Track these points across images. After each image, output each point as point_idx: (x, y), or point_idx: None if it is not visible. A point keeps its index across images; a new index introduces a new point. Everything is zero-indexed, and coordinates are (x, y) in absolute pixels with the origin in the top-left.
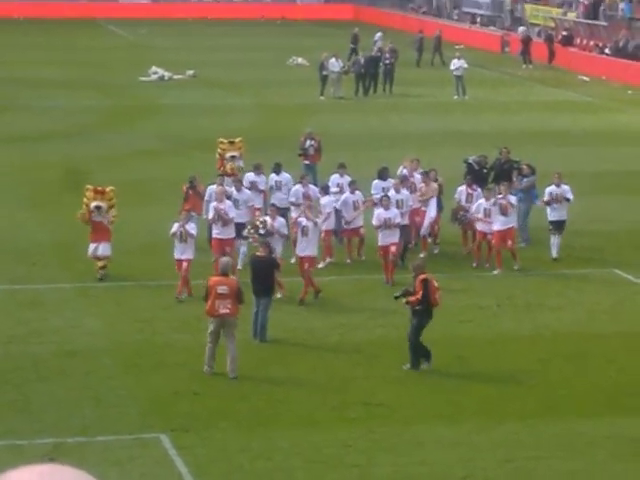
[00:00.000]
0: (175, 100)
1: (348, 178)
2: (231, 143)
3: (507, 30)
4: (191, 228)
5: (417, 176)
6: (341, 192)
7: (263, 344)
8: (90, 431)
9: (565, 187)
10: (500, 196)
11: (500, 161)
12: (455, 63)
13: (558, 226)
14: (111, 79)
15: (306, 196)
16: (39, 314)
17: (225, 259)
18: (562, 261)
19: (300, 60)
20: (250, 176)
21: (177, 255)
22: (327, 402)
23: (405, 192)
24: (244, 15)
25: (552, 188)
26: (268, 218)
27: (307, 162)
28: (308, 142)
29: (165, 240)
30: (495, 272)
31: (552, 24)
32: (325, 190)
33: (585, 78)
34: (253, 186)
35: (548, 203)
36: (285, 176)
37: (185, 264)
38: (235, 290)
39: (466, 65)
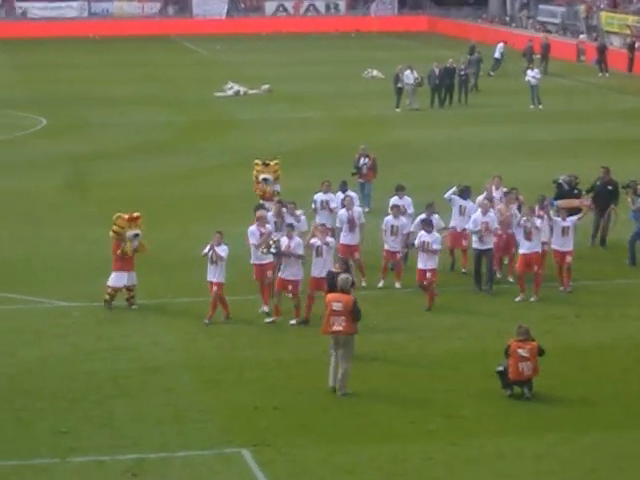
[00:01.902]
0: (251, 115)
1: (409, 199)
2: (266, 165)
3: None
4: (221, 250)
5: (496, 195)
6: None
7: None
8: (171, 447)
9: None
10: (524, 219)
11: (603, 180)
12: (529, 73)
13: None
14: (186, 95)
15: (350, 219)
16: (119, 330)
17: (345, 276)
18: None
19: (375, 72)
20: (319, 196)
21: (209, 277)
22: (407, 415)
23: (436, 217)
24: (318, 29)
25: None
26: (284, 237)
27: (361, 180)
28: (362, 160)
29: (239, 255)
30: (517, 299)
31: (628, 31)
32: (429, 224)
33: None
34: (323, 205)
35: None
36: (352, 195)
37: (216, 287)
38: (350, 307)
39: (539, 75)
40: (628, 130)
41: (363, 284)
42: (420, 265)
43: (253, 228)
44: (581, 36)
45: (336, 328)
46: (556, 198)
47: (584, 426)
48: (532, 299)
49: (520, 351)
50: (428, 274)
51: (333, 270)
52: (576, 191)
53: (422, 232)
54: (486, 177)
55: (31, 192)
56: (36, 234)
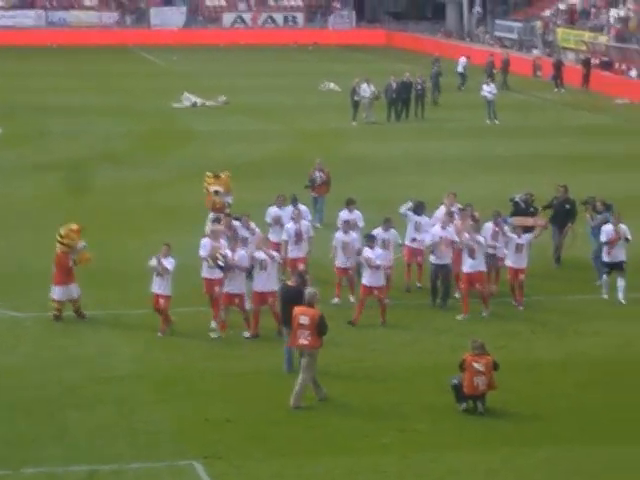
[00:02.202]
0: (208, 126)
1: (358, 213)
2: (216, 177)
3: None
4: (168, 263)
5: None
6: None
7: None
8: (124, 458)
9: (623, 227)
10: (467, 237)
11: (561, 199)
12: (485, 88)
13: (618, 267)
14: (144, 105)
15: (297, 233)
16: (73, 341)
17: (311, 290)
18: (598, 286)
19: (332, 85)
20: (273, 210)
21: (154, 289)
22: (361, 428)
23: (393, 232)
24: (276, 41)
25: (609, 228)
26: (228, 250)
27: (314, 194)
28: (317, 174)
29: (193, 265)
30: (459, 317)
31: (584, 47)
32: (372, 240)
33: (619, 102)
34: (276, 220)
35: (607, 243)
36: (302, 208)
37: (162, 301)
38: (316, 322)
39: (495, 90)
40: (583, 146)
41: None
42: (364, 281)
43: (205, 240)
44: (534, 51)
45: (302, 342)
46: (512, 216)
47: (537, 441)
48: (483, 314)
49: (476, 365)
50: (375, 292)
51: (288, 284)
52: (532, 209)
53: (366, 248)
54: (442, 191)
55: None
56: None
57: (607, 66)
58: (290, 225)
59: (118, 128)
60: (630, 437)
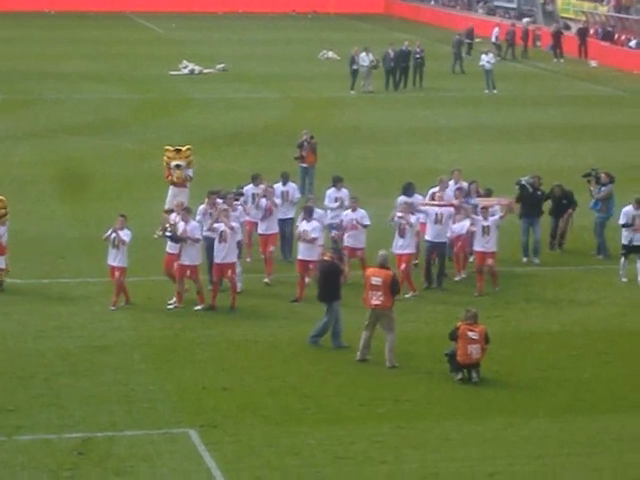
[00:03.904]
0: (205, 94)
1: (346, 191)
2: (177, 151)
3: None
4: (124, 234)
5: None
6: (340, 208)
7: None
8: (119, 426)
9: None
10: (399, 215)
11: (556, 197)
12: (484, 58)
13: (637, 250)
14: (141, 73)
15: (267, 208)
16: (68, 309)
17: (383, 252)
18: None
19: (330, 54)
20: (250, 189)
21: (110, 261)
22: (356, 398)
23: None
24: (275, 9)
25: (629, 209)
26: (181, 221)
27: (304, 164)
28: (305, 144)
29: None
30: (407, 295)
31: (583, 18)
32: (309, 213)
33: (619, 72)
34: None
35: (625, 225)
36: (291, 186)
37: (117, 273)
38: (388, 282)
39: (494, 60)
40: (581, 116)
41: (266, 280)
42: (299, 256)
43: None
44: (524, 20)
45: (374, 302)
46: (518, 200)
47: (530, 412)
48: (407, 295)
49: (470, 334)
50: (310, 265)
51: (325, 258)
52: (539, 192)
53: (302, 221)
54: (438, 161)
55: None
56: None
57: (607, 36)
58: (263, 200)
59: (115, 95)
60: (625, 407)
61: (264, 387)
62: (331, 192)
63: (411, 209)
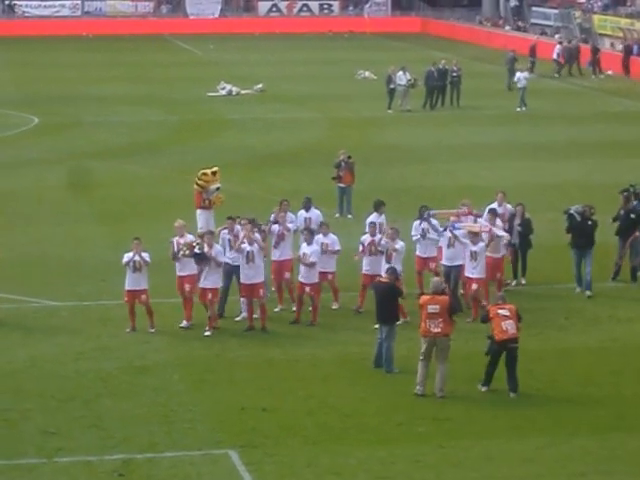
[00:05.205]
0: (244, 115)
1: (383, 217)
2: (214, 174)
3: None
4: (146, 256)
5: (500, 210)
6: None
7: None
8: (159, 447)
9: None
10: (384, 241)
11: (625, 209)
12: (519, 75)
13: None
14: (179, 94)
15: (279, 234)
16: (108, 330)
17: (437, 279)
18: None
19: (367, 74)
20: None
21: (131, 286)
22: (395, 418)
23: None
24: (311, 29)
25: None
26: (205, 245)
27: (341, 185)
28: (342, 164)
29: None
30: (333, 306)
31: (620, 34)
32: (310, 236)
33: None
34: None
35: None
36: (315, 213)
37: (144, 296)
38: (447, 308)
39: (528, 76)
40: (619, 132)
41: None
42: (299, 278)
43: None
44: (556, 36)
45: (434, 330)
46: (568, 230)
47: (572, 429)
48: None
49: (501, 311)
50: (307, 288)
51: (381, 280)
52: (590, 222)
53: (303, 244)
54: (475, 178)
55: (21, 191)
56: (25, 233)
57: None
58: (275, 226)
59: (153, 117)
60: None
61: (304, 407)
62: (373, 217)
63: (397, 235)
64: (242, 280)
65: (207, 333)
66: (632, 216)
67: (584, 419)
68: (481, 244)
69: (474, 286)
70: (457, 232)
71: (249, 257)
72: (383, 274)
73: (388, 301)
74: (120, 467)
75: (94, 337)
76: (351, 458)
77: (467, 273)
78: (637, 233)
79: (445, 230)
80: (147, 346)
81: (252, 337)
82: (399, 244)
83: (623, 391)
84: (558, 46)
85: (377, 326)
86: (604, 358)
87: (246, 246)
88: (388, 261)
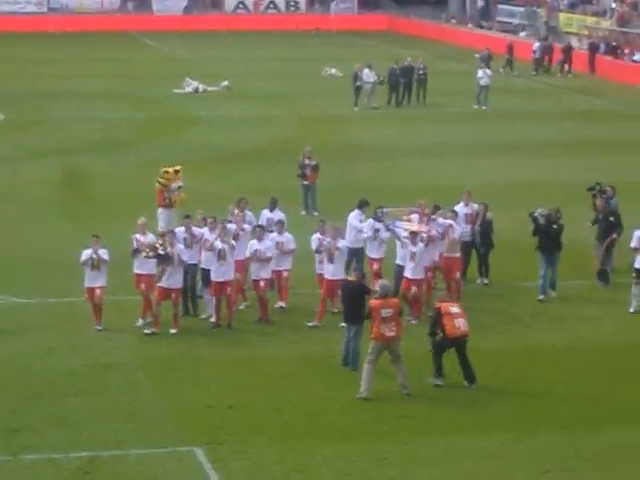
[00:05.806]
0: (210, 112)
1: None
2: (176, 172)
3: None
4: (103, 254)
5: (464, 211)
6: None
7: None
8: (125, 444)
9: None
10: (327, 240)
11: (604, 213)
12: (481, 73)
13: None
14: (145, 91)
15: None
16: (75, 327)
17: (383, 282)
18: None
19: (333, 71)
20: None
21: (90, 283)
22: (360, 416)
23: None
24: (278, 26)
25: None
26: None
27: (305, 182)
28: (306, 161)
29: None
30: (310, 324)
31: (586, 32)
32: (262, 233)
33: (623, 86)
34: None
35: (637, 249)
36: (279, 214)
37: (99, 291)
38: (398, 311)
39: (490, 74)
40: (585, 130)
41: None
42: (253, 276)
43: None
44: (521, 34)
45: (389, 334)
46: (534, 234)
47: (537, 426)
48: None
49: (452, 309)
50: (262, 283)
51: (350, 279)
52: (555, 226)
53: (254, 241)
54: (442, 176)
55: None
56: None
57: (612, 51)
58: (253, 242)
59: (120, 114)
60: (630, 422)
61: (269, 405)
62: (356, 214)
63: (340, 234)
64: (213, 278)
65: (173, 331)
66: (611, 219)
67: (549, 416)
68: (420, 245)
69: (413, 289)
70: (397, 230)
71: (221, 255)
72: (326, 275)
73: (356, 300)
74: (86, 465)
75: (62, 334)
76: (317, 455)
77: (406, 274)
78: (614, 236)
79: (388, 229)
80: (112, 343)
81: (218, 335)
82: (342, 243)
83: (588, 389)
84: (537, 44)
85: (344, 324)
86: (570, 356)
87: (218, 244)
88: (331, 261)
